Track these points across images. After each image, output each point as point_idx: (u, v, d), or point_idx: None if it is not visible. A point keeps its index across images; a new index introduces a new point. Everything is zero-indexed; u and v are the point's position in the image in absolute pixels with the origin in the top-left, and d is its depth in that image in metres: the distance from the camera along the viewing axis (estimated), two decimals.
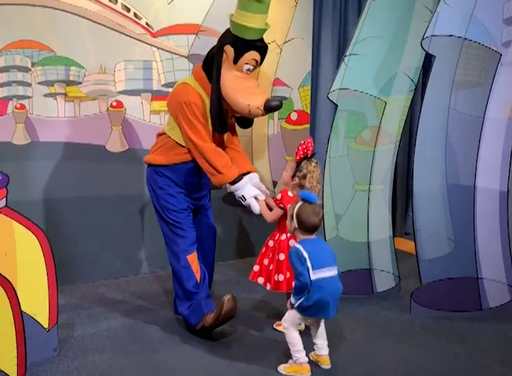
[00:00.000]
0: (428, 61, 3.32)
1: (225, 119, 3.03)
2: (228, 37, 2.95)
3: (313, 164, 2.98)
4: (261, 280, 3.03)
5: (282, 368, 2.68)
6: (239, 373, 2.70)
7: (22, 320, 2.50)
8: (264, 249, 3.08)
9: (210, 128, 3.03)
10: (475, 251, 3.28)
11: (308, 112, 4.61)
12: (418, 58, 3.50)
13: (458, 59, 3.25)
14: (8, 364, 2.47)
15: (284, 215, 2.94)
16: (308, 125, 4.60)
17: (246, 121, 3.16)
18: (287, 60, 4.42)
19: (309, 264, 2.54)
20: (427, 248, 3.35)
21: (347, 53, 3.52)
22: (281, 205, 2.98)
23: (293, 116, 4.59)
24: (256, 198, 3.03)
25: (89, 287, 3.80)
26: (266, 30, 2.96)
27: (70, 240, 3.75)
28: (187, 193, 3.14)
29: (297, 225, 2.63)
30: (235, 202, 4.23)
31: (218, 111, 2.97)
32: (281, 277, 2.97)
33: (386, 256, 3.70)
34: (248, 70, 2.97)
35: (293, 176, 3.00)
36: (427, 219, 3.36)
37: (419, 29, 3.28)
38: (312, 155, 3.01)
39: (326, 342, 2.76)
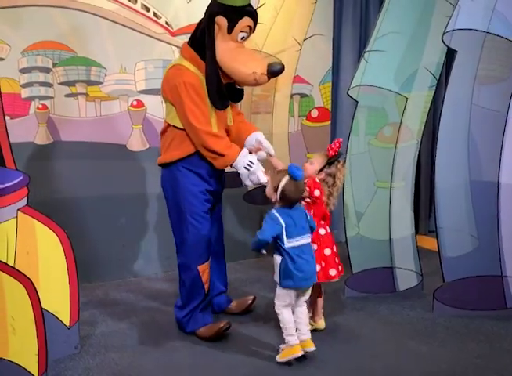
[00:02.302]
0: (451, 56, 3.26)
1: (225, 94, 2.90)
2: (216, 8, 2.82)
3: (341, 163, 3.07)
4: None
5: (278, 358, 2.76)
6: (258, 371, 2.70)
7: (43, 318, 2.53)
8: None
9: (210, 107, 2.89)
10: (499, 248, 3.22)
11: (329, 109, 4.58)
12: (440, 53, 3.45)
13: (480, 54, 3.19)
14: (29, 361, 2.49)
15: (310, 203, 2.98)
16: (328, 122, 4.58)
17: (238, 93, 3.04)
18: (307, 57, 4.40)
19: (284, 232, 2.67)
20: (450, 246, 3.31)
21: (368, 49, 3.48)
22: (306, 188, 2.96)
23: (314, 113, 4.56)
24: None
25: (111, 285, 3.83)
26: None
27: (92, 238, 3.78)
28: (212, 185, 3.01)
29: (279, 199, 2.71)
30: (255, 200, 4.26)
31: (216, 86, 2.84)
32: (333, 272, 3.02)
33: (408, 254, 3.66)
34: (243, 38, 2.86)
35: (320, 171, 3.01)
36: (449, 216, 3.31)
37: (440, 23, 3.22)
38: (340, 155, 3.06)
39: (308, 327, 2.84)
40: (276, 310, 2.77)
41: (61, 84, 3.67)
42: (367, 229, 3.61)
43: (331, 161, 3.03)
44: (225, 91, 2.89)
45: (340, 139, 3.09)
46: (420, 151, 3.66)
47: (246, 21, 2.82)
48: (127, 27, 3.77)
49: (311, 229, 2.81)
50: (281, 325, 2.77)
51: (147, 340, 3.02)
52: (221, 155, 2.85)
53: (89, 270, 3.62)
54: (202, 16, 3.96)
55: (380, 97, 3.51)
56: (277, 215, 2.70)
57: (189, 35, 3.92)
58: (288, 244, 2.68)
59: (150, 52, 3.88)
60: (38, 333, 2.51)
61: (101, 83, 3.77)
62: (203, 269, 2.99)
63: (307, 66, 4.44)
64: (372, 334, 3.09)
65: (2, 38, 3.36)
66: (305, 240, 2.74)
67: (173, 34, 3.93)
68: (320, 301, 3.13)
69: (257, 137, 3.08)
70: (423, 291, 3.63)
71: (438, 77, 3.51)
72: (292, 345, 2.73)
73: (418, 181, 4.72)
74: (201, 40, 2.86)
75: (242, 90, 3.05)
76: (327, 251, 3.03)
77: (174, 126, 2.93)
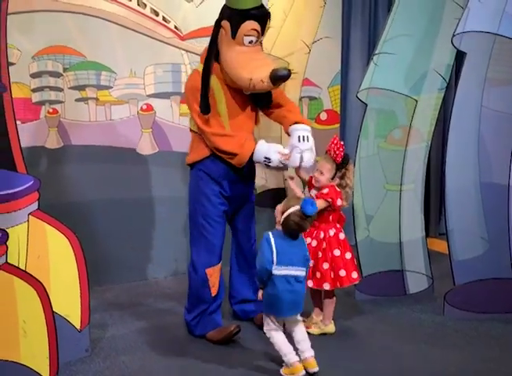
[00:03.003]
0: (461, 58, 3.25)
1: (207, 99, 2.79)
2: (223, 12, 2.81)
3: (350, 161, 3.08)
4: (310, 284, 3.03)
5: (282, 370, 2.68)
6: (270, 374, 2.69)
7: (54, 321, 2.55)
8: None
9: (226, 110, 2.87)
10: (510, 251, 3.21)
11: (338, 112, 4.57)
12: (449, 55, 3.45)
13: (490, 56, 3.19)
14: (40, 364, 2.51)
15: (330, 210, 3.01)
16: (337, 125, 4.57)
17: (264, 100, 2.96)
18: (316, 60, 4.40)
19: (274, 258, 2.56)
20: (460, 249, 3.30)
21: (377, 52, 3.48)
22: (329, 200, 2.98)
23: (323, 116, 4.56)
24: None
25: (120, 288, 3.84)
26: None
27: (102, 241, 3.80)
28: (226, 189, 2.97)
29: (281, 222, 2.61)
30: (264, 203, 4.26)
31: (203, 89, 2.79)
32: (355, 275, 3.05)
33: (418, 257, 3.65)
34: (251, 42, 2.78)
35: (333, 178, 3.02)
36: (459, 219, 3.30)
37: (449, 26, 3.22)
38: (348, 157, 3.06)
39: (308, 344, 2.69)
40: (266, 334, 2.69)
41: (71, 88, 3.70)
42: (377, 232, 3.60)
43: (342, 166, 3.03)
44: (208, 96, 2.80)
45: (340, 142, 3.02)
46: (429, 153, 3.66)
47: (249, 25, 2.75)
48: (136, 31, 3.80)
49: (307, 264, 2.68)
50: (276, 348, 2.68)
51: (157, 343, 3.03)
52: (234, 154, 2.83)
53: (99, 273, 3.63)
54: (211, 20, 4.01)
55: (390, 100, 3.50)
56: (271, 237, 2.60)
57: (197, 39, 3.98)
58: (276, 270, 2.56)
59: (159, 56, 3.90)
60: (49, 336, 2.53)
61: (111, 87, 3.80)
62: (211, 273, 2.98)
63: (316, 69, 4.44)
64: (382, 337, 3.08)
65: (13, 43, 3.38)
66: (297, 272, 2.60)
67: (182, 38, 3.95)
68: (332, 304, 3.12)
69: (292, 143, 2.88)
70: (433, 293, 3.61)
71: (447, 80, 3.50)
72: (292, 364, 2.62)
73: (428, 183, 4.70)
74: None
75: (268, 95, 2.96)
76: (348, 255, 3.06)
77: (191, 129, 2.98)
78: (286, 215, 2.57)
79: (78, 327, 2.78)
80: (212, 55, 2.82)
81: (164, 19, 3.87)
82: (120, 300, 3.65)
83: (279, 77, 2.72)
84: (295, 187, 2.98)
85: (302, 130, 2.89)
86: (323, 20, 4.41)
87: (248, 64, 2.75)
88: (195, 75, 2.89)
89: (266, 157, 2.79)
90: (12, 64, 3.42)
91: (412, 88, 3.49)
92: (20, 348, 2.49)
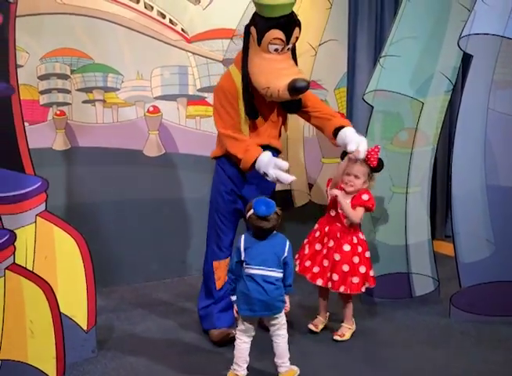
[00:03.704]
0: (467, 60, 3.25)
1: (253, 103, 2.87)
2: (253, 18, 2.83)
3: None
4: (342, 289, 3.04)
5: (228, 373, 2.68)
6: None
7: (61, 322, 2.57)
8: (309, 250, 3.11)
9: (243, 114, 2.91)
10: None
11: (344, 114, 4.57)
12: (456, 58, 3.44)
13: (496, 59, 3.19)
14: (47, 365, 2.53)
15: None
16: None
17: (293, 105, 2.98)
18: (322, 62, 4.40)
19: (243, 256, 2.58)
20: (467, 251, 3.29)
21: (383, 54, 3.48)
22: (370, 206, 3.04)
23: None
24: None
25: (127, 289, 3.86)
26: (291, 4, 2.75)
27: (109, 243, 3.82)
28: (239, 187, 3.01)
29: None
30: None
31: (245, 95, 2.86)
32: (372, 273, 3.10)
33: (425, 259, 3.65)
34: (276, 50, 2.79)
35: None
36: (466, 222, 3.30)
37: (456, 28, 3.23)
38: (382, 162, 3.08)
39: (282, 359, 2.65)
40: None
41: (79, 90, 3.72)
42: (383, 235, 3.60)
43: (377, 170, 3.06)
44: (253, 100, 2.87)
45: (379, 146, 3.07)
46: (436, 156, 3.65)
47: (273, 33, 2.75)
48: (143, 33, 3.81)
49: (284, 266, 2.60)
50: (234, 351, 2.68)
51: (164, 344, 3.05)
52: (239, 159, 2.87)
53: (106, 274, 3.64)
54: (217, 22, 4.03)
55: (396, 102, 3.50)
56: (242, 238, 2.62)
57: (204, 42, 4.00)
58: (246, 269, 2.59)
59: (166, 58, 3.91)
60: (56, 337, 2.55)
61: (118, 89, 3.81)
62: (217, 266, 3.06)
63: (322, 71, 4.44)
64: (388, 340, 3.09)
65: (21, 46, 3.40)
66: (265, 272, 2.57)
67: (189, 41, 3.96)
68: (350, 307, 3.16)
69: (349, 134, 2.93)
70: (439, 296, 3.61)
71: (454, 82, 3.49)
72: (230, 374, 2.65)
73: (434, 186, 4.69)
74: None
75: (298, 101, 2.98)
76: (368, 254, 3.12)
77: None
78: (247, 216, 2.60)
79: (85, 327, 2.80)
80: (246, 60, 2.85)
81: (170, 21, 3.89)
82: (126, 301, 3.66)
83: (297, 89, 2.75)
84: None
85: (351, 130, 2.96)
86: (329, 23, 4.40)
87: (269, 72, 2.78)
88: (227, 75, 2.95)
89: (263, 172, 2.82)
90: (20, 66, 3.45)
91: (419, 90, 3.49)
92: (28, 348, 2.51)
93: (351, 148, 2.87)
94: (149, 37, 3.83)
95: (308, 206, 4.42)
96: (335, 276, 3.02)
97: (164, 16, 3.86)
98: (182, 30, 3.93)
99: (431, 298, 3.60)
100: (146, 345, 3.02)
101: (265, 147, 2.98)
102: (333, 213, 3.09)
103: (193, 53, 3.98)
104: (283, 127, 3.16)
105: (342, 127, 2.97)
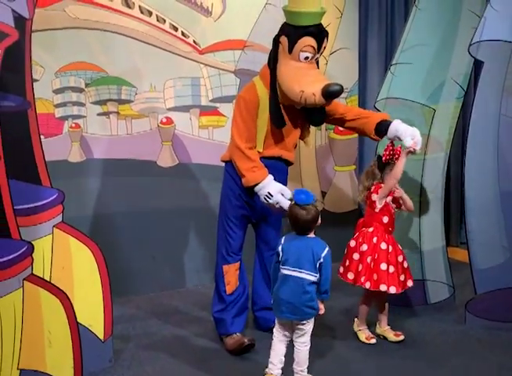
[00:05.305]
0: (479, 66, 3.25)
1: (281, 113, 2.93)
2: (282, 29, 2.89)
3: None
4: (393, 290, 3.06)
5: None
6: None
7: (78, 331, 2.59)
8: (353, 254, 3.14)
9: (263, 125, 2.95)
10: None
11: None
12: (467, 64, 3.44)
13: (508, 64, 3.18)
14: (65, 374, 2.57)
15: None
16: (356, 135, 4.58)
17: (317, 117, 3.06)
18: (334, 71, 4.42)
19: (280, 256, 2.62)
20: (481, 257, 3.28)
21: (394, 62, 3.50)
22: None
23: None
24: (282, 195, 2.87)
25: (143, 299, 3.88)
26: (322, 13, 2.85)
27: (124, 253, 3.85)
28: (246, 193, 3.01)
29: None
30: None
31: (273, 104, 2.90)
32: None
33: (439, 266, 3.64)
34: (306, 58, 2.85)
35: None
36: (480, 228, 3.29)
37: (466, 35, 3.23)
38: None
39: (301, 367, 2.64)
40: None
41: (93, 103, 3.77)
42: (397, 241, 3.59)
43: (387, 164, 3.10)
44: (280, 111, 2.92)
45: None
46: (449, 162, 3.65)
47: (306, 41, 2.81)
48: (156, 46, 3.86)
49: (320, 271, 2.57)
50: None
51: (180, 353, 3.06)
52: (242, 175, 2.93)
53: (122, 284, 3.67)
54: (229, 34, 4.07)
55: (407, 109, 3.50)
56: (282, 239, 2.67)
57: (216, 53, 4.04)
58: (281, 269, 2.62)
59: (179, 70, 3.96)
60: (74, 346, 2.58)
61: (132, 101, 3.86)
62: (226, 270, 3.09)
63: (333, 79, 4.37)
64: (403, 347, 3.07)
65: (37, 60, 3.46)
66: (300, 274, 2.56)
67: (201, 52, 4.01)
68: (384, 311, 3.20)
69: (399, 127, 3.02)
70: (455, 303, 3.59)
71: (465, 89, 3.49)
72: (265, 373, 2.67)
73: (448, 192, 4.68)
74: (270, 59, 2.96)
75: (322, 114, 3.04)
76: (400, 258, 3.15)
77: None
78: (288, 215, 2.64)
79: (102, 337, 2.82)
80: (275, 70, 2.90)
81: (183, 33, 3.94)
82: (142, 311, 3.68)
83: (331, 93, 2.79)
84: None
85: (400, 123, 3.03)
86: (340, 31, 4.44)
87: (301, 78, 2.82)
88: (250, 87, 2.98)
89: (269, 193, 2.86)
90: (36, 81, 3.50)
91: (430, 97, 3.49)
92: (46, 357, 2.54)
93: (408, 143, 2.95)
94: (161, 49, 3.89)
95: (321, 214, 4.41)
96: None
97: (176, 29, 3.91)
98: (194, 41, 3.98)
99: (447, 304, 3.58)
100: (163, 354, 3.04)
101: (276, 158, 3.05)
102: (386, 220, 3.14)
103: (205, 64, 4.03)
104: (305, 142, 3.24)
105: (383, 121, 3.06)
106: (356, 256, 3.10)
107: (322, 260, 2.56)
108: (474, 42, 3.08)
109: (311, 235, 2.65)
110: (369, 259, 3.05)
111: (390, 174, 3.06)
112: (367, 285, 3.03)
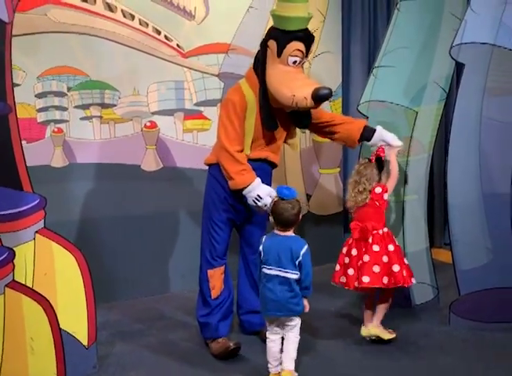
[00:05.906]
0: (461, 69, 3.28)
1: (273, 115, 2.96)
2: (271, 32, 2.92)
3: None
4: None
5: None
6: None
7: (61, 338, 2.57)
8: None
9: (250, 127, 2.96)
10: None
11: None
12: (448, 67, 3.47)
13: (488, 66, 3.21)
14: None
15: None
16: None
17: (304, 120, 3.09)
18: (317, 74, 4.43)
19: (262, 257, 2.66)
20: (465, 259, 3.30)
21: (376, 65, 3.53)
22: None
23: None
24: (271, 197, 2.85)
25: (127, 304, 3.85)
26: (309, 18, 2.88)
27: (108, 258, 3.82)
28: (233, 197, 3.01)
29: (273, 220, 2.67)
30: None
31: (264, 107, 2.92)
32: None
33: (423, 268, 3.65)
34: (294, 62, 2.89)
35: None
36: (463, 229, 3.31)
37: (448, 37, 3.26)
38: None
39: (285, 357, 2.68)
40: None
41: (76, 107, 3.75)
42: None
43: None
44: (272, 113, 2.95)
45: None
46: (432, 164, 3.68)
47: (295, 45, 2.85)
48: (139, 50, 3.85)
49: (300, 268, 2.60)
50: None
51: (165, 359, 3.04)
52: (230, 178, 2.92)
53: (106, 290, 3.65)
54: (212, 37, 4.07)
55: (390, 112, 3.53)
56: (263, 239, 2.71)
57: (199, 57, 4.04)
58: (263, 268, 2.67)
59: (162, 74, 3.95)
60: (57, 353, 2.56)
61: (115, 105, 3.84)
62: (212, 274, 3.08)
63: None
64: (389, 348, 3.08)
65: (18, 65, 3.44)
66: (278, 272, 2.62)
67: (184, 56, 4.00)
68: (382, 307, 3.19)
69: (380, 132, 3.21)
70: (439, 304, 3.61)
71: (447, 91, 3.52)
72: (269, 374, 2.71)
73: (432, 193, 4.72)
74: (256, 62, 2.97)
75: (308, 117, 3.08)
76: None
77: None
78: (271, 211, 2.66)
79: (85, 343, 2.79)
80: (264, 74, 2.91)
81: (166, 37, 3.93)
82: (127, 316, 3.66)
83: (321, 96, 2.83)
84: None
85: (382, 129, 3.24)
86: (323, 35, 4.46)
87: (290, 82, 2.85)
88: (236, 89, 2.99)
89: (259, 195, 2.87)
90: (17, 85, 3.48)
91: (413, 99, 3.52)
92: (28, 365, 2.52)
93: (397, 143, 3.20)
94: (144, 53, 3.87)
95: (306, 217, 4.43)
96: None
97: (159, 32, 3.90)
98: (178, 45, 3.97)
99: (431, 306, 3.60)
100: (148, 360, 3.02)
101: (262, 160, 3.05)
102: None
103: (189, 68, 4.02)
104: (291, 146, 3.27)
105: (367, 127, 3.23)
106: (366, 258, 3.08)
107: (301, 258, 2.60)
108: (455, 45, 3.10)
109: (291, 233, 2.67)
110: (385, 259, 3.08)
111: (391, 173, 3.18)
112: (384, 280, 3.05)
